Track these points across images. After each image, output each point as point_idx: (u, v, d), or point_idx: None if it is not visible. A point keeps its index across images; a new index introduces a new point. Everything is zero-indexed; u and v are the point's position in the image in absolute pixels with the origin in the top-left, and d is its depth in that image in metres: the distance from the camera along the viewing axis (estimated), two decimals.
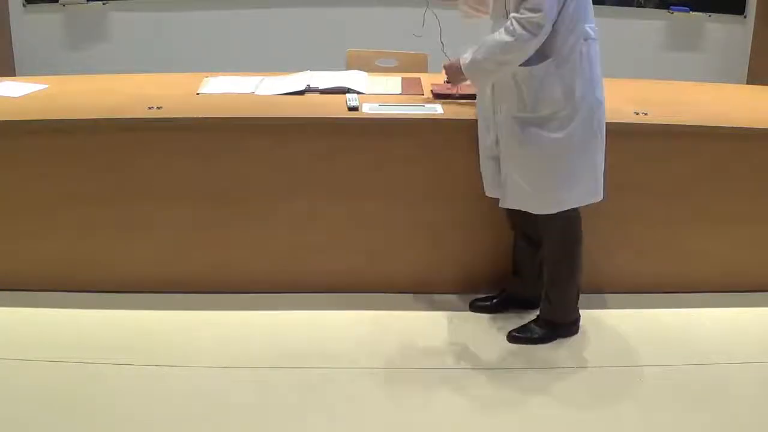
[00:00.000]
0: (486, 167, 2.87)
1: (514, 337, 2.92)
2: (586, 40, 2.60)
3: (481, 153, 2.88)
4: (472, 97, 3.14)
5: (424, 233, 3.15)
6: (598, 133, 2.71)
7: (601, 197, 2.78)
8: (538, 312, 2.97)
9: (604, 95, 2.70)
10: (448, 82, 2.85)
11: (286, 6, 5.16)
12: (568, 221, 2.79)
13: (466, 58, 2.66)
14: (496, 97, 2.73)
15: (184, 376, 2.71)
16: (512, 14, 2.55)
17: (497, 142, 2.76)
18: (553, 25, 2.54)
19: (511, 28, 2.54)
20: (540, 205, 2.74)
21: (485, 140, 2.83)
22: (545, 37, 2.54)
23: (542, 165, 2.69)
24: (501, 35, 2.56)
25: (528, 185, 2.71)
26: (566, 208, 2.75)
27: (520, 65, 2.61)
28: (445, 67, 2.81)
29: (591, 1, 2.64)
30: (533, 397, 2.65)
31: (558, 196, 2.72)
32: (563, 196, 2.73)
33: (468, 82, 2.76)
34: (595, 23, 2.66)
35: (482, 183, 2.91)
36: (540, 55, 2.59)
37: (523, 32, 2.52)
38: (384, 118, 2.98)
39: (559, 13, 2.55)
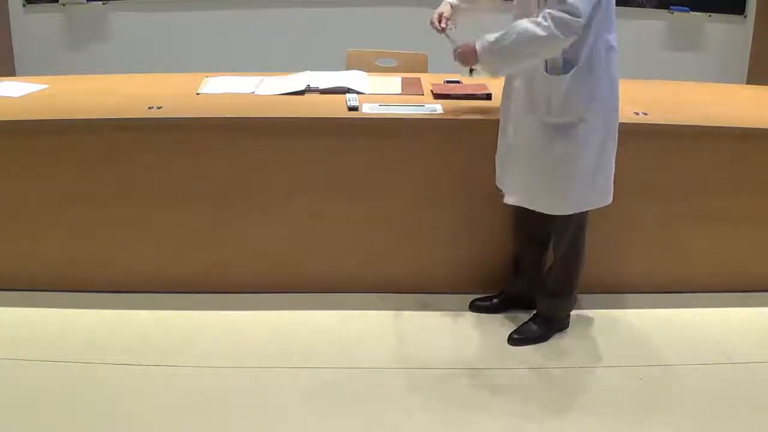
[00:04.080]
0: (500, 160, 2.87)
1: (515, 340, 2.92)
2: (608, 49, 2.60)
3: (499, 146, 2.87)
4: (474, 96, 3.15)
5: (424, 233, 3.15)
6: (612, 139, 2.72)
7: (611, 200, 2.79)
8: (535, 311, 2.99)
9: (619, 102, 2.72)
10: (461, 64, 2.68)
11: (286, 6, 5.15)
12: (581, 223, 2.81)
13: (486, 39, 2.56)
14: (522, 99, 2.72)
15: (184, 376, 2.71)
16: (548, 10, 2.45)
17: (513, 140, 2.77)
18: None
19: (545, 24, 2.44)
20: (558, 206, 2.74)
21: (504, 135, 2.83)
22: (571, 43, 2.51)
23: (562, 168, 2.69)
24: (533, 27, 2.46)
25: (547, 187, 2.72)
26: (583, 210, 2.76)
27: (550, 74, 2.61)
28: (458, 53, 2.67)
29: (614, 12, 2.62)
30: (534, 397, 2.65)
31: (576, 198, 2.72)
32: (580, 199, 2.73)
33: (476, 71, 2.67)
34: (615, 35, 2.64)
35: (494, 175, 2.91)
36: (569, 63, 2.59)
37: (557, 32, 2.44)
38: (384, 118, 2.98)
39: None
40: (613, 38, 2.63)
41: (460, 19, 2.92)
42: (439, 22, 2.87)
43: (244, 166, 3.05)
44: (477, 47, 2.60)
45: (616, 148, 2.75)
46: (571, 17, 2.43)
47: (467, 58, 2.64)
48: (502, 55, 2.56)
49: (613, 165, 2.76)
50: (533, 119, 2.68)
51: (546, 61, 2.61)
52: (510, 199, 2.81)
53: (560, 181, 2.71)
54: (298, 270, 3.18)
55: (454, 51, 2.70)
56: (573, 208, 2.74)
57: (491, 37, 2.57)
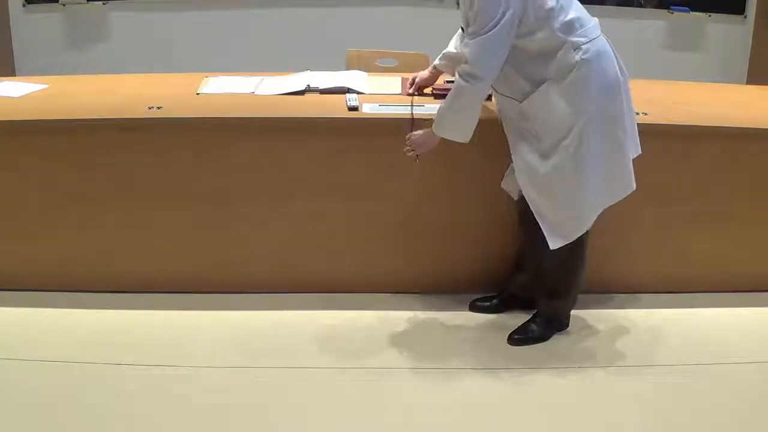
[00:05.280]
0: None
1: (515, 340, 2.92)
2: (577, 50, 2.58)
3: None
4: None
5: (424, 233, 3.14)
6: (610, 145, 2.69)
7: (633, 187, 2.77)
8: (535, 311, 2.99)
9: (622, 91, 2.69)
10: (412, 151, 2.81)
11: (286, 6, 5.15)
12: None
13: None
14: (512, 131, 2.77)
15: (184, 376, 2.71)
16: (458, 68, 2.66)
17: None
18: (517, 61, 2.61)
19: (455, 78, 2.65)
20: (551, 240, 2.74)
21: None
22: (487, 81, 2.60)
23: (553, 198, 2.72)
24: (452, 88, 2.67)
25: (546, 217, 2.74)
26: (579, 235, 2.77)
27: (521, 102, 2.65)
28: (412, 140, 2.79)
29: (575, 12, 2.61)
30: (533, 397, 2.65)
31: (571, 229, 2.74)
32: (576, 228, 2.75)
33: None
34: (591, 24, 2.64)
35: (493, 175, 2.95)
36: (533, 82, 2.63)
37: (460, 81, 2.61)
38: (384, 118, 2.98)
39: (524, 46, 2.59)
40: (581, 36, 2.59)
41: (447, 75, 3.11)
42: (411, 85, 3.15)
43: (244, 166, 3.05)
44: (433, 127, 2.73)
45: (623, 147, 2.71)
46: (466, 65, 2.59)
47: (425, 139, 2.76)
48: (445, 121, 2.70)
49: (616, 172, 2.73)
50: (524, 147, 2.72)
51: (510, 92, 2.68)
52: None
53: (556, 210, 2.73)
54: (298, 270, 3.18)
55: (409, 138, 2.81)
56: (567, 239, 2.74)
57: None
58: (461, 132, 2.70)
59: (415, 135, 2.79)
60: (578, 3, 2.66)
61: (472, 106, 2.66)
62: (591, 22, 2.65)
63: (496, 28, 2.51)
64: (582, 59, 2.58)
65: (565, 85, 2.59)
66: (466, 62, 2.60)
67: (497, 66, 2.59)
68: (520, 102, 2.67)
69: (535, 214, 2.75)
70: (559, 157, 2.64)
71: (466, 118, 2.68)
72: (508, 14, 2.50)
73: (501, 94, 2.75)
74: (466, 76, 2.60)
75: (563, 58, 2.58)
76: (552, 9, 2.56)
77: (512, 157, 2.78)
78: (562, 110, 2.60)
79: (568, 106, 2.60)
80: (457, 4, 2.69)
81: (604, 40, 2.66)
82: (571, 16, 2.59)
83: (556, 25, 2.57)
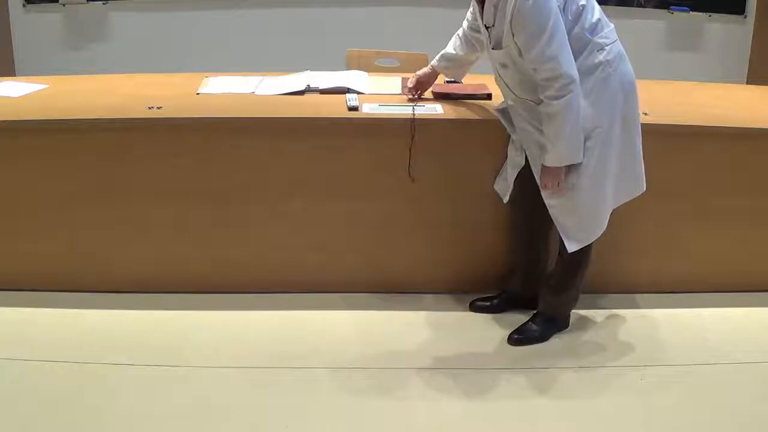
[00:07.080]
0: (507, 173, 2.89)
1: (515, 340, 2.92)
2: (600, 50, 2.61)
3: (509, 162, 2.90)
4: (474, 96, 3.15)
5: (424, 233, 3.14)
6: (616, 146, 2.70)
7: (644, 188, 2.82)
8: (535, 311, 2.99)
9: (632, 91, 2.70)
10: (545, 187, 2.70)
11: (286, 6, 5.15)
12: None
13: (548, 159, 2.62)
14: (535, 140, 2.74)
15: (184, 376, 2.71)
16: (542, 94, 2.55)
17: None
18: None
19: (551, 108, 2.54)
20: (567, 243, 2.75)
21: (515, 157, 2.85)
22: (576, 78, 2.52)
23: (579, 204, 2.72)
24: (550, 118, 2.56)
25: (565, 221, 2.75)
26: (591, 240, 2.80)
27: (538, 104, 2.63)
28: (547, 183, 2.68)
29: (599, 13, 2.64)
30: (533, 397, 2.65)
31: (588, 233, 2.77)
32: (593, 233, 2.77)
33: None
34: (611, 26, 2.67)
35: (494, 175, 2.97)
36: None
37: (557, 102, 2.52)
38: (384, 118, 2.98)
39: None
40: (604, 38, 2.62)
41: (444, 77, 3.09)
42: (415, 89, 3.08)
43: (244, 166, 3.05)
44: (552, 164, 2.62)
45: (637, 147, 2.74)
46: (554, 83, 2.50)
47: (553, 175, 2.65)
48: (568, 151, 2.60)
49: (630, 172, 2.76)
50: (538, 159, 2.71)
51: (533, 97, 2.63)
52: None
53: (581, 214, 2.74)
54: (298, 270, 3.18)
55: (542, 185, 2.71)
56: (585, 242, 2.76)
57: (548, 153, 2.62)
58: (580, 150, 2.62)
59: (548, 185, 2.67)
60: (599, 6, 2.67)
61: (579, 113, 2.56)
62: (611, 25, 2.68)
63: (554, 37, 2.48)
64: (606, 60, 2.61)
65: (588, 86, 2.60)
66: (545, 86, 2.53)
67: (570, 57, 2.53)
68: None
69: (553, 219, 2.74)
70: (584, 159, 2.64)
71: (577, 132, 2.59)
72: (557, 17, 2.49)
73: (523, 99, 2.69)
74: (559, 92, 2.51)
75: (587, 59, 2.59)
76: (584, 6, 2.59)
77: (530, 162, 2.76)
78: (584, 111, 2.60)
79: (591, 106, 2.61)
80: (477, 26, 2.67)
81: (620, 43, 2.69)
82: (596, 16, 2.63)
83: (586, 24, 2.59)
